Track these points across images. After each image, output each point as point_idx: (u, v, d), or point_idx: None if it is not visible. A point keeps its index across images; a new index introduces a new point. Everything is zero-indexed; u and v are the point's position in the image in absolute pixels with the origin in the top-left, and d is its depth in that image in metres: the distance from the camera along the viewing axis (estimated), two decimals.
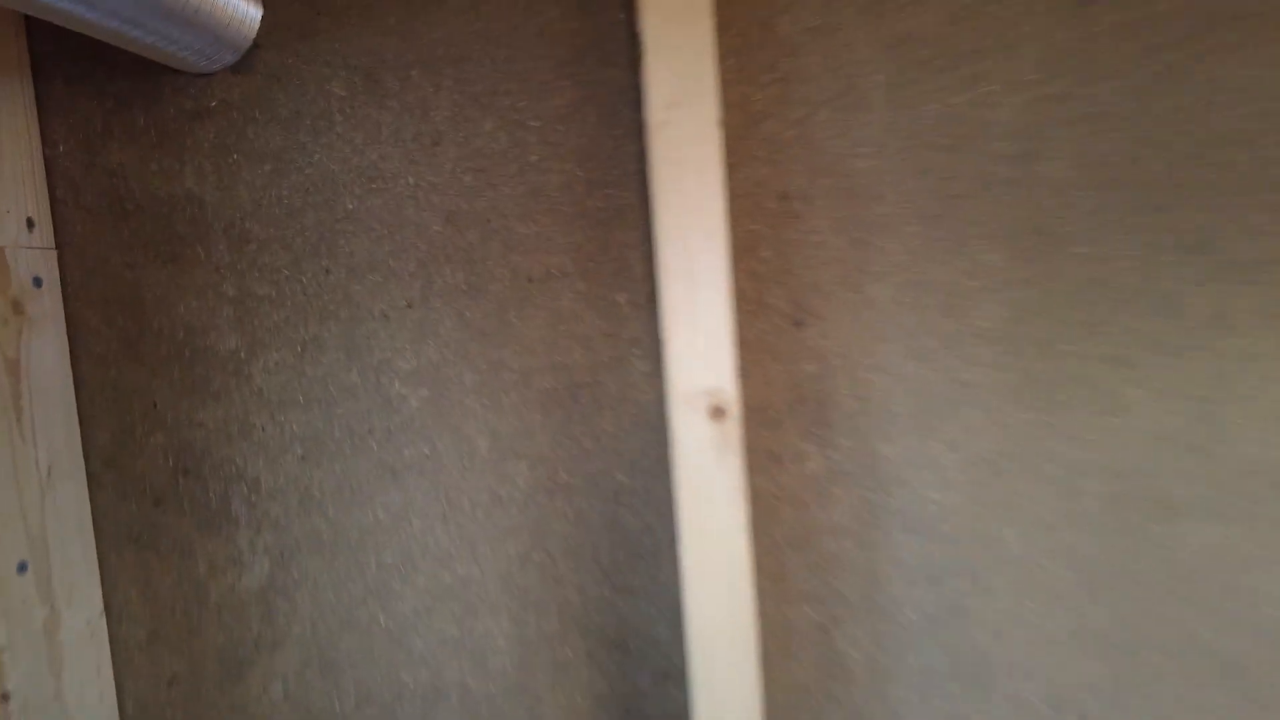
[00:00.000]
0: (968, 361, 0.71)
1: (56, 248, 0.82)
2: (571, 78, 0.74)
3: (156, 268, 0.81)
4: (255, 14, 0.77)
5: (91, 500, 0.82)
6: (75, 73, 0.82)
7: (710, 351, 0.62)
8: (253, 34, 0.77)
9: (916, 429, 0.72)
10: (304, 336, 0.79)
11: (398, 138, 0.77)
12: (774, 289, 0.74)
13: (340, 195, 0.78)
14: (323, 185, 0.78)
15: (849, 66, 0.71)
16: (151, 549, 0.82)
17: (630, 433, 0.75)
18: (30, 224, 0.80)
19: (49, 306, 0.80)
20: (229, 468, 0.81)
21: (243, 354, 0.81)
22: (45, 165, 0.82)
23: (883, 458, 0.72)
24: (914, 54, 0.70)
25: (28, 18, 0.82)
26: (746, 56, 0.72)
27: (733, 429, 0.62)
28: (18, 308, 0.77)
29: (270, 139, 0.79)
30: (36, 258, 0.80)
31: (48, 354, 0.80)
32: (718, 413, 0.62)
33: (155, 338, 0.82)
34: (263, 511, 0.81)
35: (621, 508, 0.76)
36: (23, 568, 0.74)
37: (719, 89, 0.61)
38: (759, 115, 0.73)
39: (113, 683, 0.83)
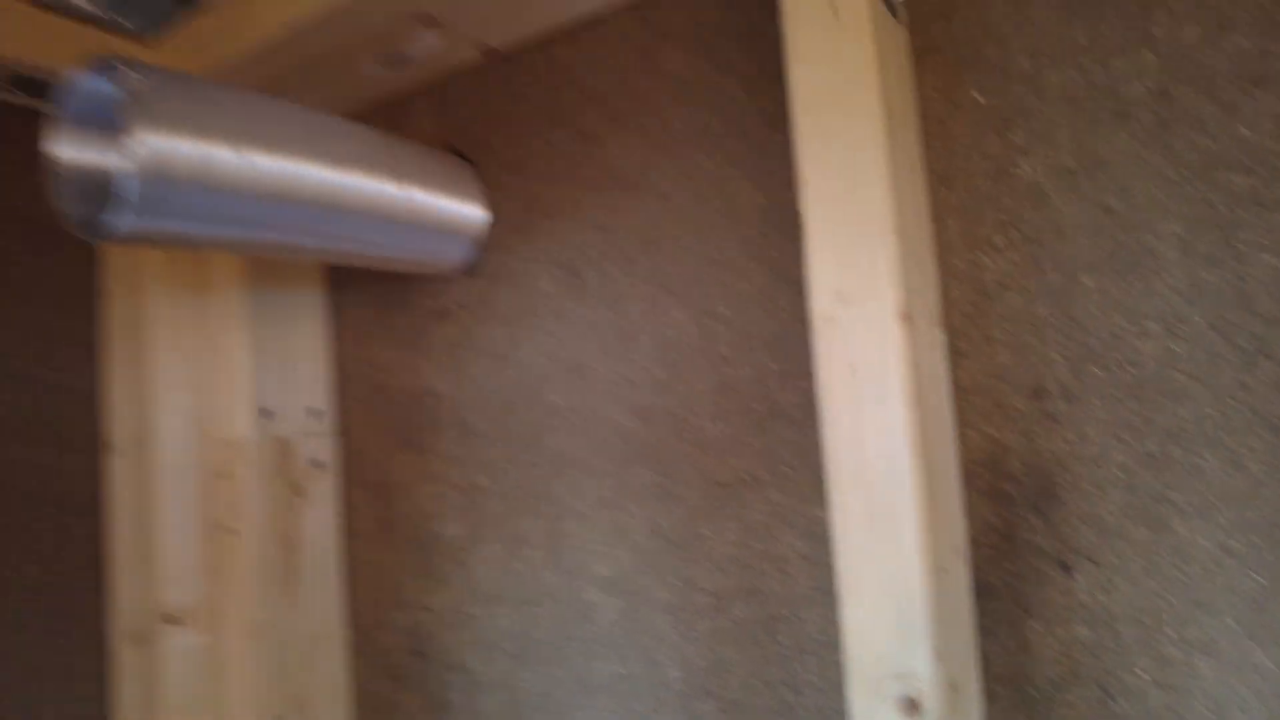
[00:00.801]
0: None
1: (335, 434, 0.95)
2: (759, 259, 0.67)
3: (405, 454, 0.90)
4: (481, 216, 0.84)
5: (347, 669, 0.92)
6: (356, 283, 0.96)
7: (903, 619, 0.48)
8: (480, 236, 0.84)
9: None
10: (514, 531, 0.81)
11: (596, 331, 0.76)
12: (1030, 520, 0.56)
13: (547, 390, 0.79)
14: (533, 380, 0.80)
15: (1126, 215, 0.53)
16: None
17: (839, 690, 0.62)
18: (315, 413, 0.94)
19: (325, 488, 0.93)
20: (450, 655, 0.84)
21: (465, 543, 0.84)
22: (331, 362, 0.97)
23: None
24: (1227, 185, 0.50)
25: None
26: (974, 215, 0.58)
27: None
28: (298, 489, 0.90)
29: (492, 336, 0.83)
30: (317, 444, 0.93)
31: (321, 532, 0.92)
32: (911, 707, 0.47)
33: (401, 521, 0.90)
34: (477, 707, 0.82)
35: None
36: None
37: (900, 275, 0.49)
38: (996, 287, 0.58)
39: None
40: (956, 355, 0.58)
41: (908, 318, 0.48)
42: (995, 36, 0.58)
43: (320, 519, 0.91)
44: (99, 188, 0.62)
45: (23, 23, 0.81)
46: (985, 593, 0.57)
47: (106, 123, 0.62)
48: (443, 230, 0.79)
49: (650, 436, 0.72)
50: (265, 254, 0.68)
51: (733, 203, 0.68)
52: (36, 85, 0.85)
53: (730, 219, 0.68)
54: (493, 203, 0.83)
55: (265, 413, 0.88)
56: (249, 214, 0.63)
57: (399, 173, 0.73)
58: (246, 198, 0.62)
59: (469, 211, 0.82)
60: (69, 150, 0.62)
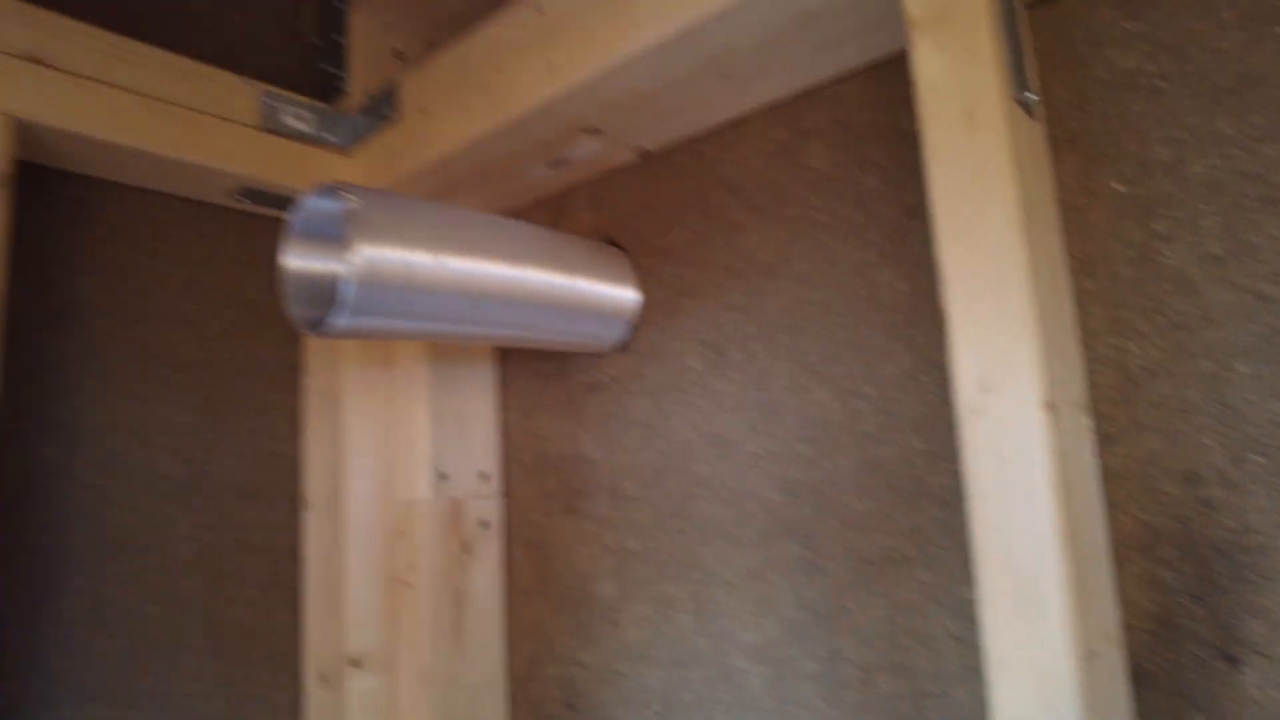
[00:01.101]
0: None
1: (500, 496, 1.05)
2: (904, 342, 0.70)
3: (562, 517, 0.97)
4: (634, 299, 0.91)
5: (506, 717, 0.99)
6: (521, 358, 1.06)
7: (1052, 703, 0.49)
8: (633, 318, 0.91)
9: None
10: (663, 593, 0.86)
11: (741, 407, 0.81)
12: (1190, 607, 0.56)
13: (694, 461, 0.85)
14: (681, 451, 0.86)
15: None
16: None
17: None
18: (485, 477, 1.03)
19: (491, 547, 1.02)
20: (600, 711, 0.90)
21: (616, 603, 0.90)
22: (498, 429, 1.07)
23: None
24: None
25: None
26: (1118, 302, 0.60)
27: None
28: (467, 547, 0.99)
29: (642, 408, 0.90)
30: (485, 505, 1.02)
31: (486, 587, 1.00)
32: None
33: (557, 580, 0.97)
34: None
35: None
36: None
37: (1043, 364, 0.51)
38: (1143, 373, 0.59)
39: None
40: (1105, 440, 0.59)
41: (1052, 406, 0.51)
42: (1133, 127, 0.61)
43: (485, 575, 1.00)
44: (322, 291, 0.74)
45: (250, 143, 0.97)
46: (1143, 681, 0.57)
47: (328, 236, 0.75)
48: (601, 314, 0.88)
49: (796, 511, 0.76)
50: (450, 342, 0.78)
51: (874, 289, 0.72)
52: (260, 195, 1.01)
53: (872, 304, 0.73)
54: (644, 286, 0.91)
55: (441, 476, 0.98)
56: (442, 310, 0.73)
57: (566, 265, 0.82)
58: (440, 296, 0.72)
59: (624, 295, 0.90)
60: (297, 259, 0.75)
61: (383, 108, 1.00)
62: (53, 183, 0.91)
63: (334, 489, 1.01)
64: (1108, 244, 0.61)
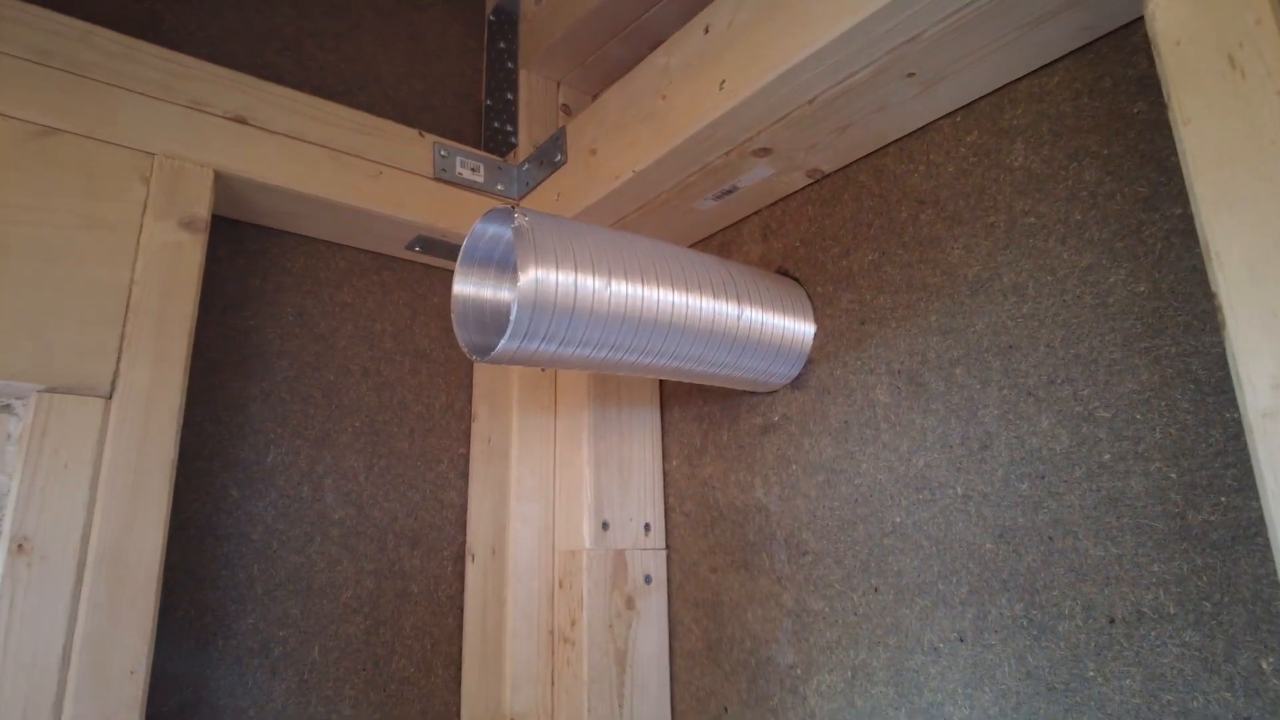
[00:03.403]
0: None
1: (665, 549, 0.99)
2: (1147, 354, 0.60)
3: (732, 573, 0.90)
4: (810, 331, 0.86)
5: None
6: (686, 401, 1.02)
7: None
8: (808, 351, 0.85)
9: None
10: (854, 661, 0.76)
11: (944, 443, 0.72)
12: None
13: (888, 508, 0.76)
14: (871, 497, 0.78)
15: None
16: None
17: None
18: (647, 528, 0.99)
19: (655, 603, 0.96)
20: None
21: (799, 671, 0.81)
22: (663, 478, 1.02)
23: None
24: None
25: None
26: None
27: None
28: (630, 603, 0.94)
29: (823, 450, 0.83)
30: (649, 558, 0.97)
31: (650, 647, 0.94)
32: None
33: (729, 643, 0.89)
34: None
35: None
36: None
37: None
38: None
39: None
40: None
41: None
42: None
43: (650, 634, 0.94)
44: (491, 316, 0.73)
45: (424, 193, 1.01)
46: None
47: (498, 262, 0.75)
48: (775, 348, 0.82)
49: (1016, 561, 0.65)
50: (618, 372, 0.75)
51: (1103, 295, 0.63)
52: (433, 244, 1.05)
53: (1101, 313, 0.63)
54: (820, 316, 0.85)
55: (603, 525, 0.94)
56: (608, 336, 0.70)
57: (737, 294, 0.78)
58: (607, 321, 0.69)
59: (799, 328, 0.84)
60: (468, 285, 0.75)
61: (551, 154, 1.02)
62: (244, 235, 0.98)
63: (497, 538, 1.00)
64: None
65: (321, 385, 0.99)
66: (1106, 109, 0.65)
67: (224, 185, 0.88)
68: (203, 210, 0.84)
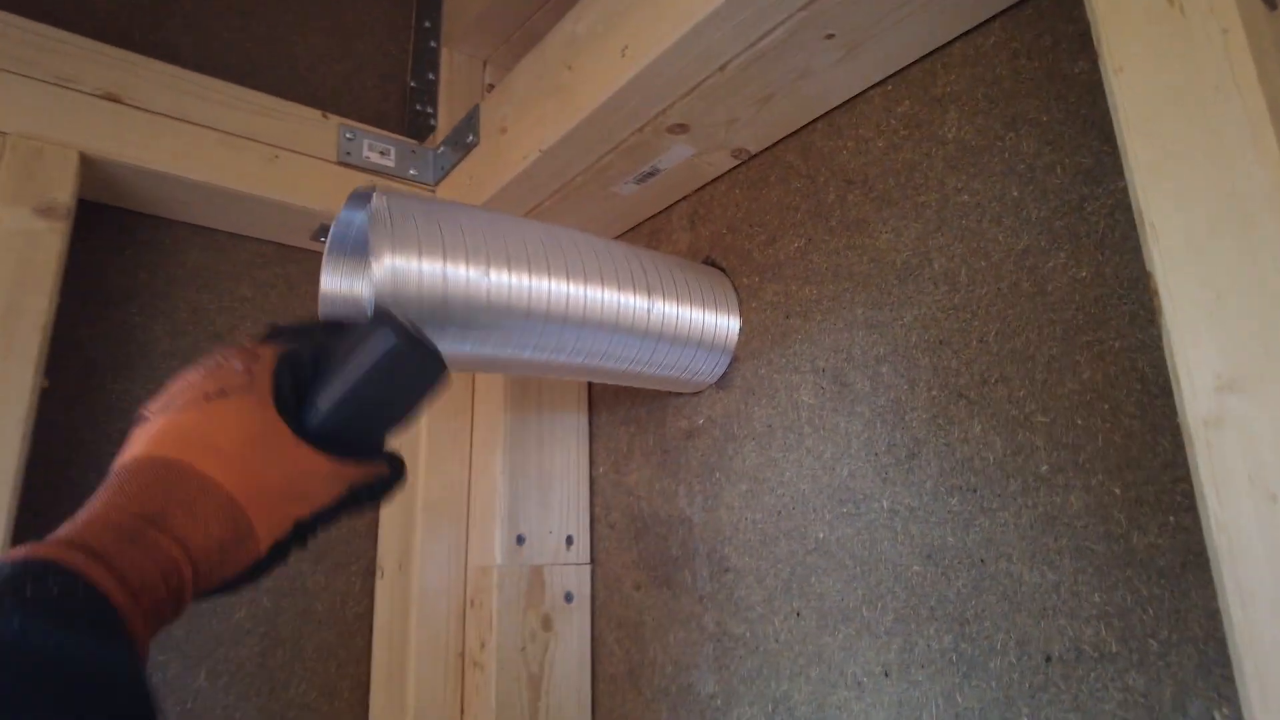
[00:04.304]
0: None
1: (588, 564, 0.90)
2: (1089, 349, 0.51)
3: (655, 590, 0.82)
4: (734, 325, 0.77)
5: None
6: (614, 403, 0.93)
7: None
8: (733, 347, 0.77)
9: None
10: (775, 693, 0.68)
11: (870, 450, 0.64)
12: None
13: (811, 521, 0.67)
14: (794, 509, 0.69)
15: None
16: None
17: None
18: (570, 541, 0.90)
19: (576, 623, 0.87)
20: None
21: (719, 702, 0.73)
22: (590, 486, 0.94)
23: None
24: None
25: None
26: None
27: None
28: (547, 623, 0.85)
29: (747, 457, 0.74)
30: (570, 574, 0.89)
31: (569, 672, 0.85)
32: None
33: (651, 667, 0.81)
34: None
35: None
36: None
37: None
38: None
39: None
40: None
41: None
42: None
43: (568, 657, 0.85)
44: (355, 311, 0.65)
45: (329, 179, 0.93)
46: None
47: (361, 251, 0.66)
48: (694, 343, 0.74)
49: (945, 586, 0.57)
50: (515, 372, 0.67)
51: (1042, 281, 0.55)
52: None
53: (1039, 302, 0.54)
54: (746, 310, 0.77)
55: (519, 539, 0.86)
56: (491, 331, 0.61)
57: (647, 285, 0.70)
58: (489, 313, 0.61)
59: (721, 322, 0.76)
60: (336, 279, 0.66)
61: (464, 135, 0.93)
62: (134, 225, 0.89)
63: (404, 553, 0.91)
64: None
65: None
66: (1045, 70, 0.57)
67: (93, 169, 0.79)
68: (64, 196, 0.76)
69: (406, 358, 0.45)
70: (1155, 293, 0.38)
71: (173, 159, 0.82)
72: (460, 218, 0.62)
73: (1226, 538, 0.34)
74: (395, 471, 0.48)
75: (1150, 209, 0.38)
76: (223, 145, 0.86)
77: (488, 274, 0.60)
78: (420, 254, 0.57)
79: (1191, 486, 0.46)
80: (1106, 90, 0.41)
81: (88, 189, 0.81)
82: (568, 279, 0.65)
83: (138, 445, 0.41)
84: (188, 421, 0.41)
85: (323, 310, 0.65)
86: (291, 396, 0.44)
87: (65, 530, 0.35)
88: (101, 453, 0.83)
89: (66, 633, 0.29)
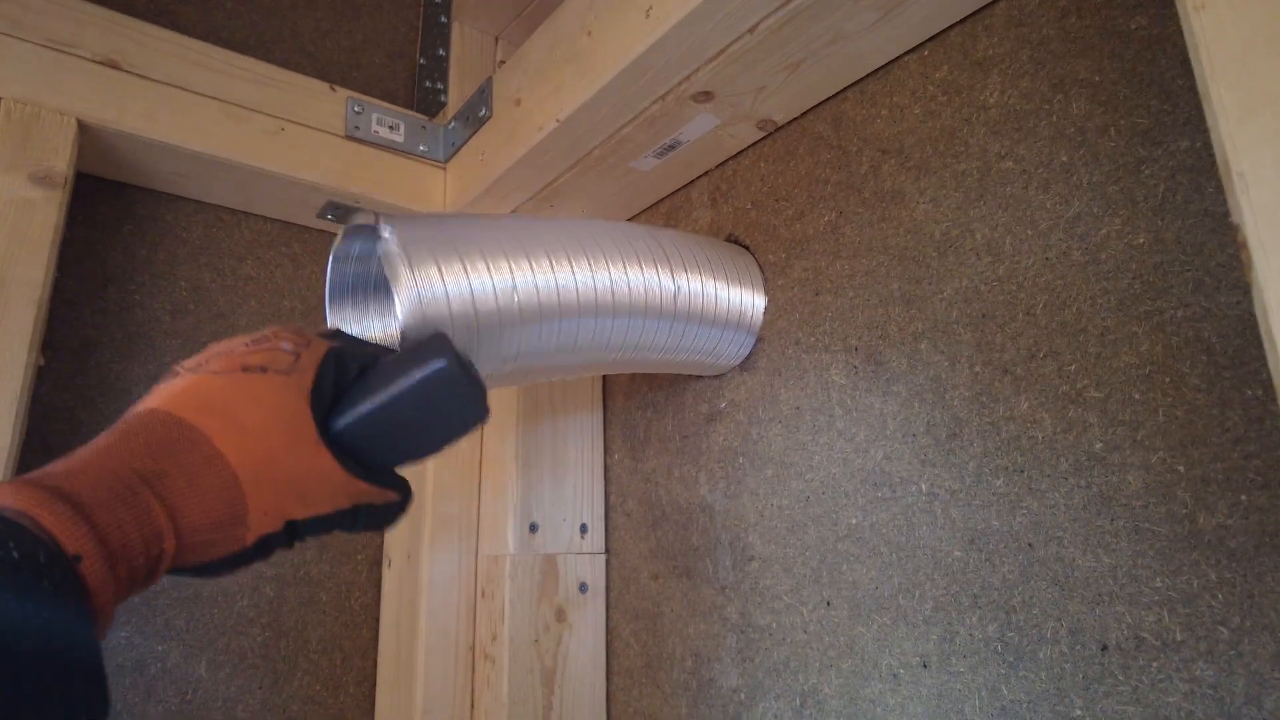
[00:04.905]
0: None
1: (603, 554, 0.87)
2: (1148, 320, 0.48)
3: (674, 581, 0.79)
4: (760, 304, 0.74)
5: None
6: (630, 389, 0.90)
7: None
8: (758, 327, 0.74)
9: None
10: (803, 686, 0.65)
11: (907, 431, 0.61)
12: None
13: (843, 507, 0.64)
14: (824, 494, 0.66)
15: None
16: None
17: None
18: (584, 530, 0.87)
19: (591, 614, 0.84)
20: None
21: (743, 695, 0.70)
22: (604, 474, 0.91)
23: None
24: None
25: None
26: None
27: None
28: (561, 615, 0.82)
29: (772, 441, 0.71)
30: (585, 563, 0.86)
31: (583, 665, 0.82)
32: None
33: (669, 661, 0.78)
34: None
35: None
36: None
37: None
38: None
39: None
40: None
41: None
42: None
43: (583, 650, 0.82)
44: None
45: (336, 153, 0.89)
46: None
47: (379, 285, 0.61)
48: (720, 323, 0.71)
49: (989, 572, 0.54)
50: (554, 378, 0.64)
51: (1094, 249, 0.52)
52: (347, 213, 0.93)
53: (1092, 271, 0.51)
54: (771, 289, 0.74)
55: (532, 527, 0.83)
56: (529, 342, 0.58)
57: (668, 262, 0.67)
58: (518, 328, 0.57)
59: (747, 300, 0.73)
60: (338, 319, 0.61)
61: (476, 109, 0.90)
62: (133, 199, 0.86)
63: (413, 542, 0.88)
64: None
65: None
66: (1098, 28, 0.54)
67: (92, 138, 0.76)
68: (61, 164, 0.73)
69: (453, 383, 0.43)
70: (1245, 245, 0.35)
71: (173, 129, 0.79)
72: (472, 230, 0.58)
73: None
74: (403, 500, 0.46)
75: (1239, 157, 0.35)
76: (226, 116, 0.83)
77: (513, 280, 0.57)
78: (443, 276, 0.53)
79: (1265, 463, 0.43)
80: (1185, 32, 0.38)
81: (87, 161, 0.79)
82: (591, 268, 0.62)
83: (157, 397, 0.39)
84: (216, 387, 0.39)
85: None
86: (329, 393, 0.42)
87: (60, 470, 0.33)
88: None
89: (24, 601, 0.27)
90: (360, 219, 0.55)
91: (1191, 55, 0.38)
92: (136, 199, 0.87)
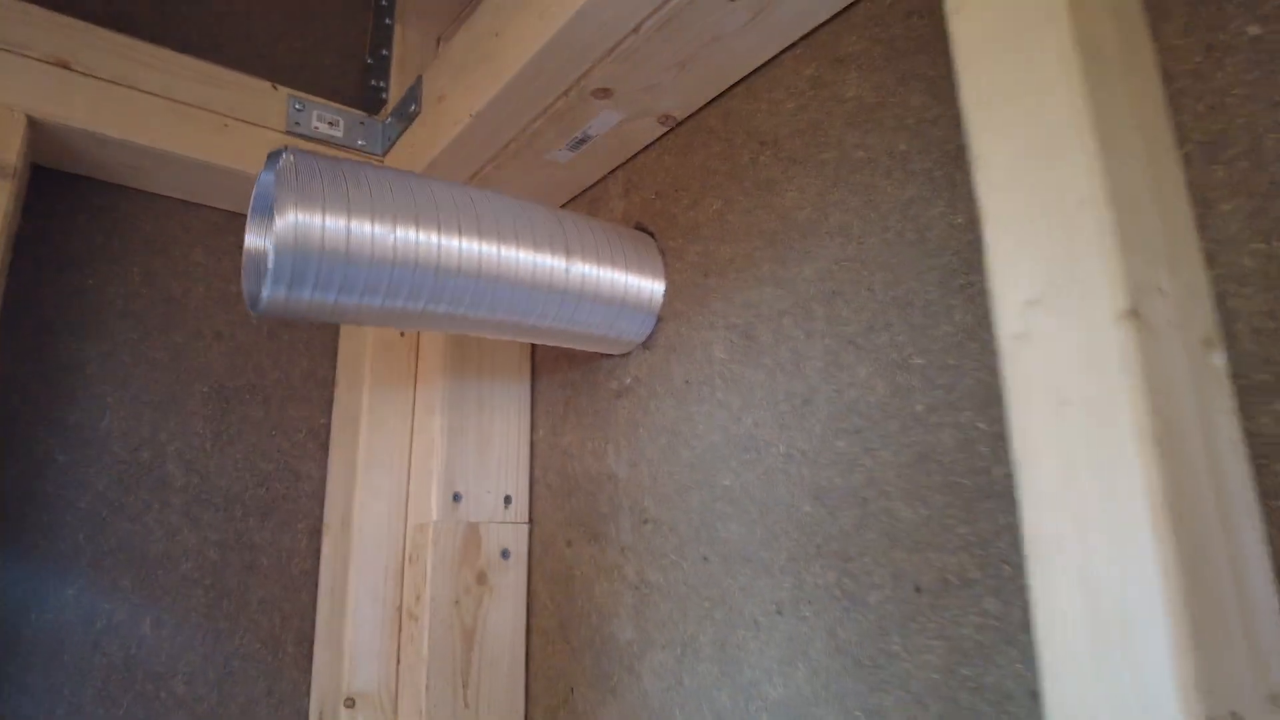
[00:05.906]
0: None
1: (525, 523, 0.92)
2: (962, 292, 0.52)
3: (585, 545, 0.83)
4: (659, 288, 0.78)
5: None
6: (554, 368, 0.94)
7: None
8: (658, 308, 0.78)
9: None
10: (683, 636, 0.69)
11: (771, 399, 0.65)
12: None
13: (719, 470, 0.69)
14: (706, 459, 0.70)
15: None
16: None
17: None
18: (508, 501, 0.91)
19: (512, 579, 0.89)
20: None
21: (635, 648, 0.74)
22: (530, 449, 0.95)
23: None
24: None
25: None
26: (1265, 193, 0.40)
27: None
28: (482, 579, 0.87)
29: (666, 412, 0.76)
30: (508, 531, 0.90)
31: (504, 626, 0.87)
32: None
33: (578, 619, 0.82)
34: None
35: None
36: None
37: (1117, 259, 0.33)
38: None
39: None
40: (1254, 392, 0.39)
41: (1133, 315, 0.33)
42: None
43: (503, 612, 0.87)
44: (261, 266, 0.66)
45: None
46: None
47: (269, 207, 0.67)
48: (617, 303, 0.75)
49: (831, 524, 0.58)
50: (425, 327, 0.68)
51: (923, 229, 0.56)
52: None
53: (922, 250, 0.56)
54: (670, 272, 0.78)
55: (455, 496, 0.87)
56: (398, 282, 0.63)
57: (565, 246, 0.71)
58: (395, 266, 0.62)
59: (645, 284, 0.77)
60: (257, 238, 0.67)
61: (408, 105, 0.94)
62: (89, 191, 0.91)
63: (346, 510, 0.93)
64: (1245, 114, 0.42)
65: (169, 348, 0.92)
66: (934, 27, 0.58)
67: (41, 132, 0.81)
68: (11, 156, 0.77)
69: None
70: (981, 217, 0.39)
71: (123, 125, 0.84)
72: (369, 176, 0.63)
73: (1023, 440, 0.35)
74: None
75: (978, 141, 0.39)
76: (173, 113, 0.87)
77: (394, 230, 0.61)
78: (324, 210, 0.58)
79: None
80: (949, 32, 0.42)
81: (39, 153, 0.83)
82: (479, 236, 0.66)
83: None
84: None
85: (245, 264, 0.67)
86: None
87: None
88: (52, 408, 0.84)
89: None
90: (278, 150, 0.61)
91: (951, 50, 0.42)
92: (92, 190, 0.91)
